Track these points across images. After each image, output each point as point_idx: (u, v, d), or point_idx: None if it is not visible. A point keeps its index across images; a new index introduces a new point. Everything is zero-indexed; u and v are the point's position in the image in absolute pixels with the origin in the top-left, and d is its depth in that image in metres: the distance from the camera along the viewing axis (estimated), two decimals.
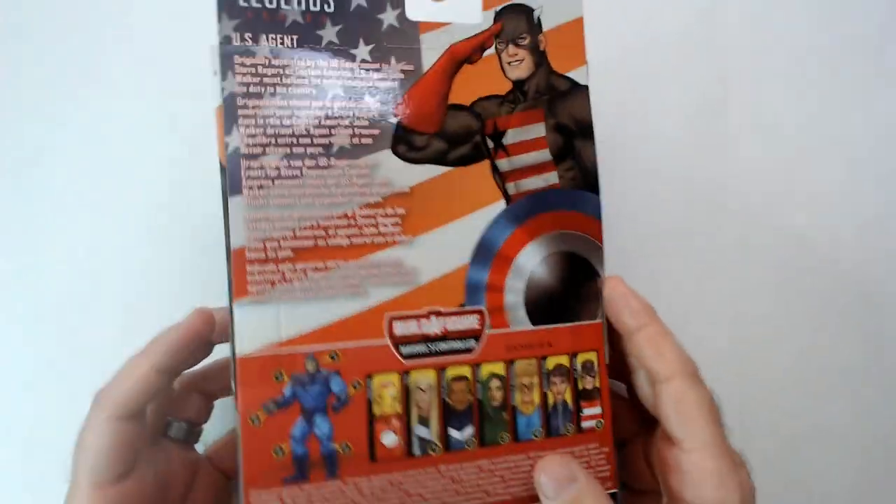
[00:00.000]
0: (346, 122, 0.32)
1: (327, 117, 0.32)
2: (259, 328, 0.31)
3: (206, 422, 0.38)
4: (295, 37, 0.32)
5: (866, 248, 0.50)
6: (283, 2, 0.32)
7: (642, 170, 0.48)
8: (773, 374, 0.48)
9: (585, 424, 0.35)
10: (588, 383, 0.35)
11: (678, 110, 0.49)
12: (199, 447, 0.38)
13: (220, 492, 0.37)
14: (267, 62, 0.31)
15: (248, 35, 0.31)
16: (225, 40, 0.31)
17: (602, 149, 0.46)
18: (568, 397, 0.35)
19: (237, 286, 0.31)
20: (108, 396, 0.31)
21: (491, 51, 0.35)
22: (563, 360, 0.35)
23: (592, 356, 0.36)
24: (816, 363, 0.48)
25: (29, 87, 0.44)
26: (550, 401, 0.35)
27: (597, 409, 0.36)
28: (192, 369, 0.35)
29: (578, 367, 0.35)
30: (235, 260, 0.31)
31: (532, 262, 0.35)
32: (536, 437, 0.35)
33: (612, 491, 0.36)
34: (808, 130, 0.50)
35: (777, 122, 0.50)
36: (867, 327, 0.49)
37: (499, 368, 0.34)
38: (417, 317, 0.33)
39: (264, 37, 0.32)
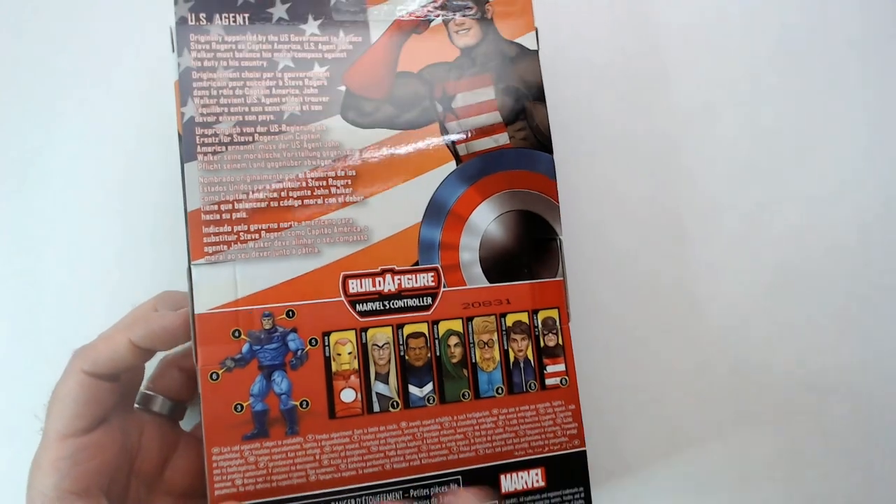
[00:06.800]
0: (296, 91, 0.34)
1: (278, 87, 0.34)
2: (216, 287, 0.32)
3: (190, 399, 0.39)
4: (246, 15, 0.34)
5: (866, 249, 0.50)
6: None
7: (642, 171, 0.48)
8: (774, 373, 0.48)
9: (550, 382, 0.35)
10: (550, 340, 0.35)
11: (677, 111, 0.49)
12: None
13: (202, 466, 0.37)
14: (220, 39, 0.33)
15: (202, 15, 0.33)
16: (181, 21, 0.33)
17: (602, 149, 0.47)
18: (530, 354, 0.35)
19: (194, 247, 0.32)
20: (84, 353, 0.32)
21: (438, 21, 0.36)
22: (523, 316, 0.35)
23: (553, 313, 0.36)
24: (816, 363, 0.48)
25: (29, 87, 0.45)
26: (512, 357, 0.35)
27: (560, 367, 0.35)
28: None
29: (539, 323, 0.35)
30: (192, 222, 0.32)
31: (486, 220, 0.35)
32: (499, 394, 0.35)
33: (581, 450, 0.35)
34: (808, 130, 0.50)
35: (777, 122, 0.50)
36: (867, 327, 0.49)
37: (456, 325, 0.34)
38: (372, 275, 0.33)
39: (217, 16, 0.33)
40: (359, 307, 0.33)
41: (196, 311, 0.31)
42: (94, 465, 0.31)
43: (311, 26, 0.34)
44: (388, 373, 0.33)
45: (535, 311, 0.35)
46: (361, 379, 0.33)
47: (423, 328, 0.34)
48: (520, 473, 0.34)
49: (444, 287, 0.34)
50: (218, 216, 0.32)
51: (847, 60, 0.51)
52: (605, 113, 0.48)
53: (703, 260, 0.48)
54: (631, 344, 0.46)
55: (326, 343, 0.33)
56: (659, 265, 0.47)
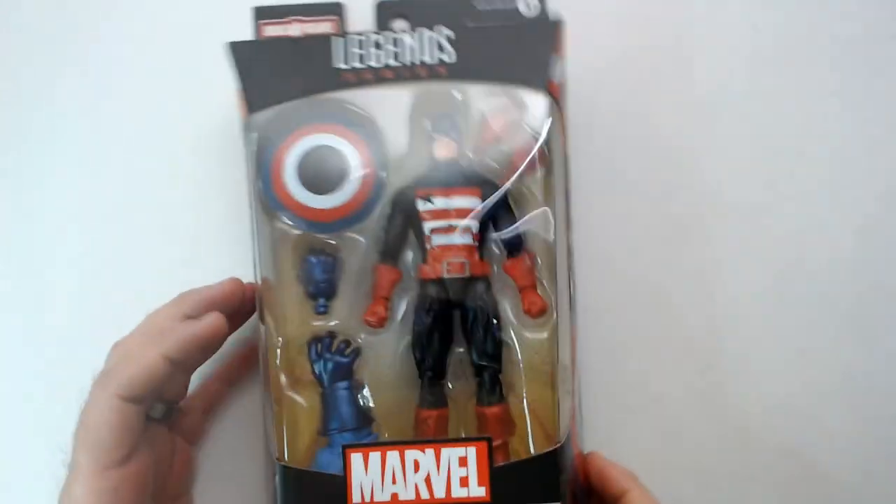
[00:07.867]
0: None
1: None
2: None
3: (182, 399, 0.37)
4: None
5: (865, 249, 0.49)
6: None
7: (641, 171, 0.49)
8: (774, 374, 0.48)
9: None
10: None
11: (676, 111, 0.49)
12: None
13: (191, 460, 0.36)
14: None
15: None
16: None
17: (602, 150, 0.49)
18: None
19: None
20: (115, 377, 0.30)
21: None
22: None
23: None
24: (816, 363, 0.48)
25: (30, 88, 0.46)
26: None
27: None
28: None
29: None
30: None
31: None
32: None
33: None
34: (808, 130, 0.50)
35: (776, 122, 0.50)
36: (867, 327, 0.49)
37: None
38: None
39: None
40: None
41: None
42: (136, 495, 0.30)
43: None
44: None
45: None
46: None
47: None
48: None
49: None
50: None
51: (847, 60, 0.50)
52: (604, 115, 0.49)
53: (703, 260, 0.48)
54: (630, 343, 0.47)
55: None
56: (658, 265, 0.48)
